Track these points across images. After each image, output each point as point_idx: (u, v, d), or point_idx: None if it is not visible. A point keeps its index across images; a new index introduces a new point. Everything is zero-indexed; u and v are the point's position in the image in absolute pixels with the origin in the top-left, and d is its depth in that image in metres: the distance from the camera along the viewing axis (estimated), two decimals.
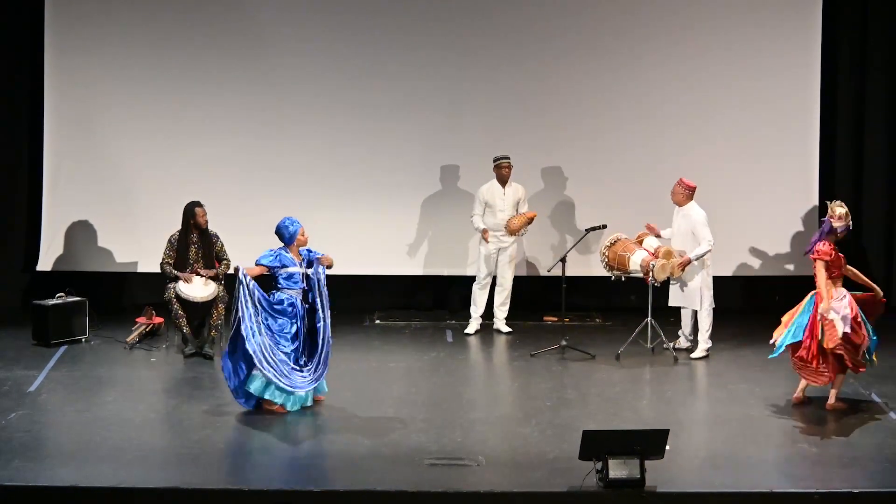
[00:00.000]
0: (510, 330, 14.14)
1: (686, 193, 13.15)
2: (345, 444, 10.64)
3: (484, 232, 13.98)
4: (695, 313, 13.33)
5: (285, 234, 11.51)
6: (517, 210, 13.94)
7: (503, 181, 13.94)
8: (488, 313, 14.28)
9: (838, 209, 11.54)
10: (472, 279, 14.74)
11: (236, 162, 14.77)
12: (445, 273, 14.92)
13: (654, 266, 12.92)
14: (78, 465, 10.11)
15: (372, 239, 14.84)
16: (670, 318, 13.86)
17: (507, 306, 14.21)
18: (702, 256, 13.05)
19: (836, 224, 11.51)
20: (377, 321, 14.69)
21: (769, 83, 14.78)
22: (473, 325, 14.21)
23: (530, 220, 13.92)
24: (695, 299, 13.22)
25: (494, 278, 14.17)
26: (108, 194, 14.75)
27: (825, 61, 14.82)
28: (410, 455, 10.36)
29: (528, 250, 14.92)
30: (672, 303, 13.44)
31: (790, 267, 14.98)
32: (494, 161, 13.94)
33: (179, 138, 14.74)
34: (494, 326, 14.22)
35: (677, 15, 14.77)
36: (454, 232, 14.67)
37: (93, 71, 14.67)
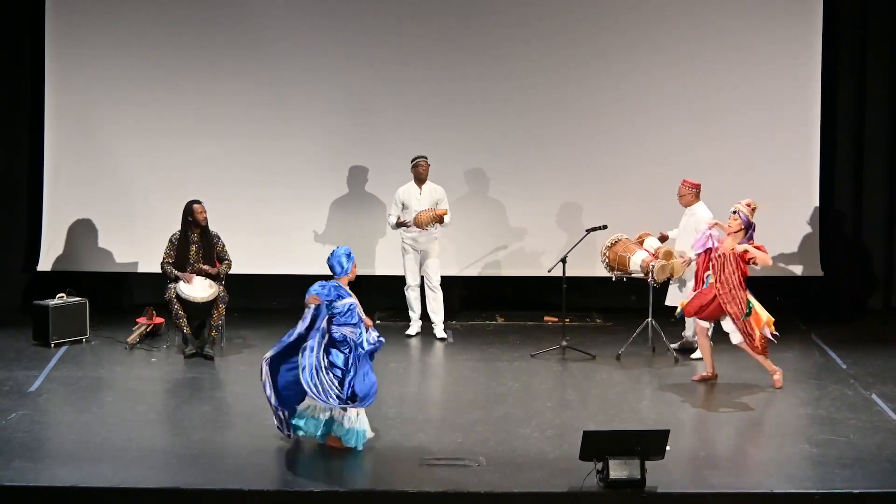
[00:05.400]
0: (445, 336, 13.97)
1: (693, 193, 13.18)
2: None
3: (399, 223, 13.69)
4: None
5: (337, 268, 10.55)
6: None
7: (420, 181, 13.82)
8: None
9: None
10: (472, 279, 14.79)
11: (237, 162, 14.78)
12: (444, 273, 14.91)
13: (654, 267, 12.91)
14: (78, 465, 10.11)
15: (371, 239, 14.84)
16: (671, 318, 13.87)
17: (442, 310, 13.98)
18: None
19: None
20: (377, 321, 14.68)
21: (769, 85, 14.77)
22: (414, 327, 14.09)
23: (440, 218, 13.61)
24: None
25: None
26: (108, 194, 14.75)
27: (826, 63, 14.82)
28: (410, 455, 10.36)
29: (529, 250, 14.92)
30: (668, 302, 13.43)
31: (791, 268, 14.98)
32: (412, 161, 13.84)
33: (179, 138, 14.74)
34: (434, 332, 14.03)
35: (678, 17, 14.76)
36: (456, 232, 14.65)
37: (93, 71, 14.68)
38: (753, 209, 12.11)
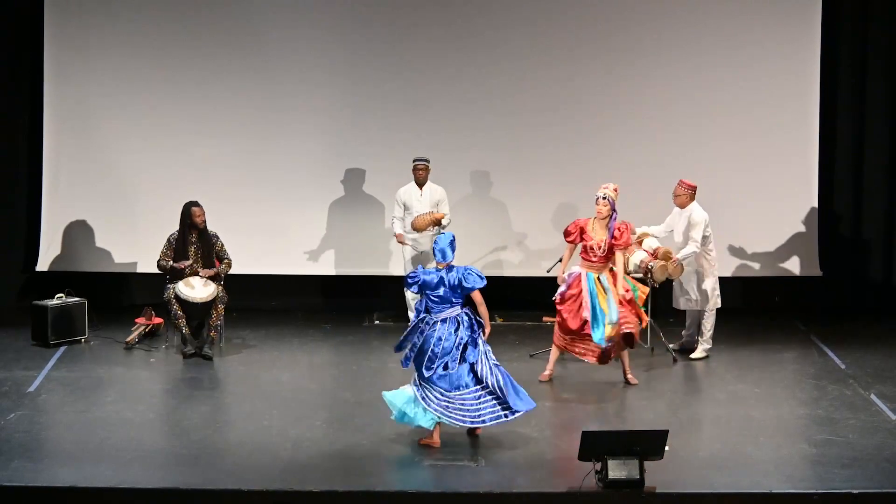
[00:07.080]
0: None
1: (688, 194, 13.13)
2: (345, 444, 10.64)
3: (397, 236, 13.86)
4: (698, 314, 13.31)
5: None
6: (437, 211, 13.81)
7: (420, 183, 13.84)
8: None
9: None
10: None
11: (236, 162, 14.77)
12: None
13: (652, 267, 12.91)
14: (78, 465, 10.11)
15: (372, 239, 14.85)
16: (669, 318, 13.88)
17: None
18: (687, 257, 13.00)
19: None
20: (377, 321, 14.68)
21: (769, 85, 14.77)
22: None
23: (437, 221, 13.62)
24: (702, 300, 13.18)
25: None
26: (108, 194, 14.75)
27: (825, 62, 14.82)
28: (410, 455, 10.36)
29: (529, 250, 14.92)
30: (678, 305, 13.44)
31: (790, 267, 14.98)
32: (413, 162, 13.88)
33: (179, 138, 14.74)
34: None
35: (679, 17, 14.77)
36: (457, 232, 14.62)
37: (92, 71, 14.68)
38: (617, 193, 12.31)
